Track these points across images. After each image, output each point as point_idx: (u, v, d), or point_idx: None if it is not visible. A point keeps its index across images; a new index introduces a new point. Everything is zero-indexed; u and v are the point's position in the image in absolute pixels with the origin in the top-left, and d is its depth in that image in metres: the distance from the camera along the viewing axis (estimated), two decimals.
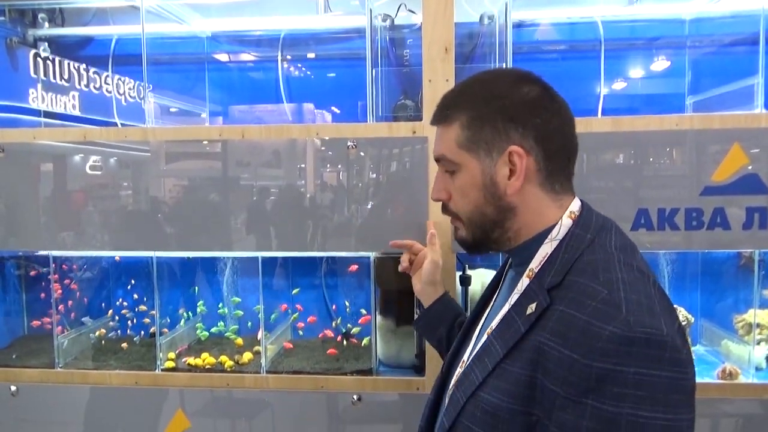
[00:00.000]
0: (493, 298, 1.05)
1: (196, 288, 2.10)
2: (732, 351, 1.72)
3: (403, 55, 2.02)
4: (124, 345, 1.96)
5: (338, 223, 1.63)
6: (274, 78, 2.21)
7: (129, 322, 2.07)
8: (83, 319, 2.02)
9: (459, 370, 0.98)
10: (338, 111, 2.16)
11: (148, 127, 1.86)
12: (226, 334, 2.00)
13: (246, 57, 2.29)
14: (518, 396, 0.81)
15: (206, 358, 1.79)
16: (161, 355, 1.79)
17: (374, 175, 1.62)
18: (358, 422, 1.66)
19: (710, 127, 1.51)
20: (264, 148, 1.66)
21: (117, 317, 2.07)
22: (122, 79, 2.22)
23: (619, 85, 2.10)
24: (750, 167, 1.49)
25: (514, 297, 0.91)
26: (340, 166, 1.66)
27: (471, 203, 0.93)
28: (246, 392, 1.69)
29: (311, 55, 2.25)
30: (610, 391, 0.72)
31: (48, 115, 2.06)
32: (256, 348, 1.86)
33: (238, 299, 2.05)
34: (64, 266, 2.06)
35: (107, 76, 2.20)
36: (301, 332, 2.00)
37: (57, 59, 2.05)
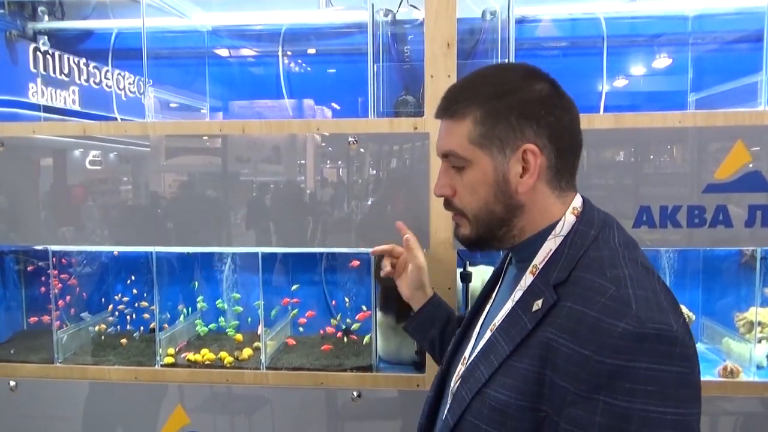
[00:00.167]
0: (493, 295, 1.05)
1: (196, 283, 2.10)
2: (733, 349, 1.72)
3: (404, 51, 2.01)
4: (123, 341, 1.95)
5: (338, 219, 1.62)
6: (274, 73, 2.20)
7: (128, 317, 2.07)
8: (82, 314, 2.01)
9: (461, 367, 0.98)
10: (338, 107, 2.15)
11: (148, 122, 1.85)
12: (226, 331, 2.00)
13: (246, 52, 2.28)
14: (526, 392, 0.80)
15: (206, 354, 1.79)
16: (161, 350, 1.79)
17: (374, 171, 1.62)
18: (358, 419, 1.65)
19: (713, 124, 1.50)
20: (264, 144, 1.65)
21: (117, 313, 2.07)
22: (122, 73, 2.22)
23: (621, 82, 2.10)
24: (753, 165, 1.49)
25: (518, 293, 0.91)
26: (340, 162, 1.65)
27: (480, 200, 0.92)
28: (245, 388, 1.69)
29: (312, 51, 2.24)
30: (622, 386, 0.72)
31: (48, 109, 2.05)
32: (256, 344, 1.86)
33: (238, 295, 2.05)
34: (63, 260, 2.05)
35: (107, 70, 2.19)
36: (301, 329, 2.00)
37: (57, 53, 2.04)
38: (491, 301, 1.04)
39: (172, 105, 2.22)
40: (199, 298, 2.08)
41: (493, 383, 0.85)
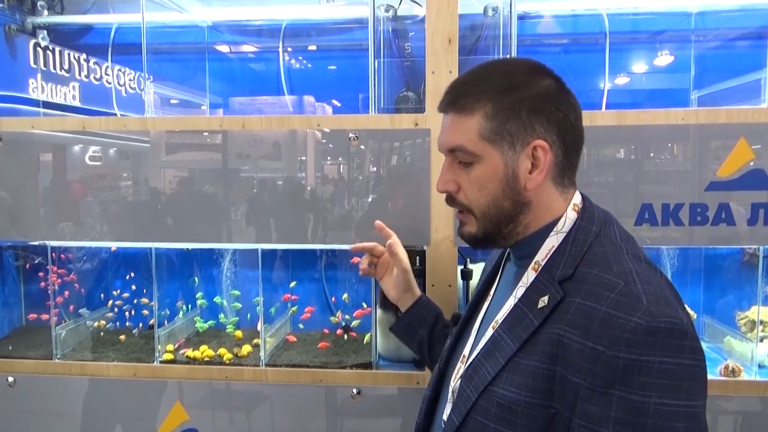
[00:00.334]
0: (491, 292, 1.04)
1: (196, 279, 2.09)
2: (734, 348, 1.71)
3: (405, 47, 1.99)
4: (122, 337, 1.95)
5: (339, 215, 1.61)
6: (275, 69, 2.19)
7: (126, 313, 2.06)
8: (80, 311, 2.01)
9: (460, 365, 0.97)
10: (339, 104, 2.14)
11: (147, 117, 1.84)
12: (226, 329, 1.99)
13: (247, 48, 2.27)
14: (536, 389, 0.80)
15: (205, 351, 1.78)
16: (159, 347, 1.78)
17: (375, 168, 1.61)
18: (358, 416, 1.65)
19: (716, 121, 1.49)
20: (264, 140, 1.64)
21: (116, 309, 2.06)
22: (123, 69, 2.21)
23: (622, 79, 2.08)
24: (756, 162, 1.48)
25: (520, 290, 0.91)
26: (340, 159, 1.64)
27: (488, 196, 0.91)
28: (245, 385, 1.68)
29: (312, 47, 2.23)
30: (636, 380, 0.73)
31: (48, 105, 2.04)
32: (256, 341, 1.85)
33: (237, 292, 2.04)
34: (63, 256, 2.04)
35: (107, 66, 2.18)
36: (301, 326, 1.99)
37: (57, 49, 2.03)
38: (489, 298, 1.03)
39: (172, 101, 2.21)
40: (198, 295, 2.07)
41: (500, 381, 0.85)
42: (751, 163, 1.48)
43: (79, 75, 2.10)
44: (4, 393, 1.73)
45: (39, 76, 2.00)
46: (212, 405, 1.70)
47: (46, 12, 2.17)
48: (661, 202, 1.51)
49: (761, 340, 1.67)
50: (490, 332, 0.92)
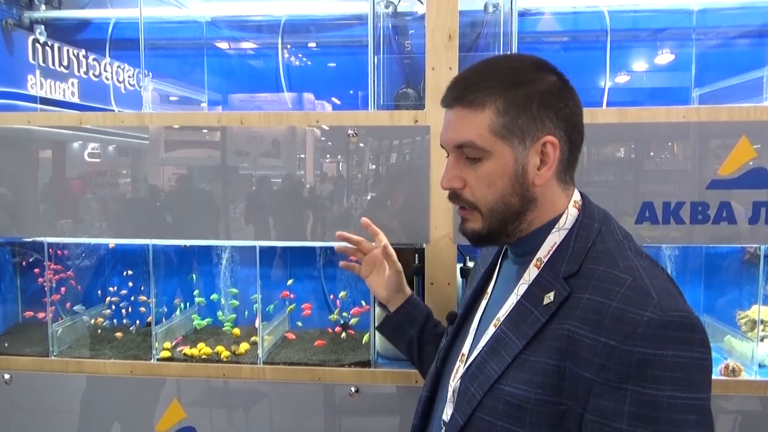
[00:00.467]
0: (488, 290, 1.03)
1: (194, 276, 2.08)
2: (735, 347, 1.70)
3: (405, 45, 1.98)
4: (118, 334, 1.93)
5: (338, 213, 1.60)
6: (274, 66, 2.18)
7: (123, 310, 2.05)
8: (75, 307, 1.99)
9: (459, 364, 0.96)
10: (338, 102, 2.13)
11: (145, 113, 1.83)
12: (223, 327, 1.97)
13: (246, 44, 2.26)
14: (545, 386, 0.80)
15: (202, 348, 1.77)
16: (157, 344, 1.77)
17: (374, 166, 1.60)
18: (356, 414, 1.64)
19: (718, 119, 1.48)
20: (263, 137, 1.63)
21: (113, 306, 2.05)
22: (122, 66, 2.19)
23: (623, 78, 2.08)
24: (758, 161, 1.47)
25: (522, 287, 0.90)
26: (340, 156, 1.63)
27: (497, 193, 0.89)
28: (242, 383, 1.67)
29: (312, 45, 2.22)
30: (650, 374, 0.73)
31: (47, 102, 2.02)
32: (253, 338, 1.84)
33: (235, 290, 2.03)
34: (59, 252, 2.03)
35: (107, 63, 2.16)
36: (300, 323, 1.99)
37: (56, 45, 2.01)
38: (487, 296, 1.02)
39: (171, 98, 2.20)
40: (195, 292, 2.06)
41: (507, 378, 0.84)
42: (753, 162, 1.47)
43: (78, 71, 2.08)
44: (0, 390, 1.72)
45: (38, 72, 1.99)
46: (210, 403, 1.69)
47: (43, 6, 2.16)
48: (662, 201, 1.50)
49: (762, 340, 1.67)
50: (491, 330, 0.92)
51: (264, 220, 1.64)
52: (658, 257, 1.86)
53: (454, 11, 1.49)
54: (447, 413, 0.94)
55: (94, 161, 1.72)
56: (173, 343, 1.83)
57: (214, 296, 2.04)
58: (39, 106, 2.00)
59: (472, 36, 1.99)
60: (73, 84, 2.08)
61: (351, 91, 2.14)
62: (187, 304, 2.05)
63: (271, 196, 1.64)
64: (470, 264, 1.62)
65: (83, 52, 2.08)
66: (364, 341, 1.79)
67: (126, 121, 1.68)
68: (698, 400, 0.74)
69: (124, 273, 2.08)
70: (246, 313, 2.01)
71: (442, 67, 1.50)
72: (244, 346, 1.79)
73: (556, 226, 0.90)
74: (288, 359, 1.71)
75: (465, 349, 0.98)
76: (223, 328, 1.97)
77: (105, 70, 2.16)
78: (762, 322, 1.68)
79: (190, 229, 1.67)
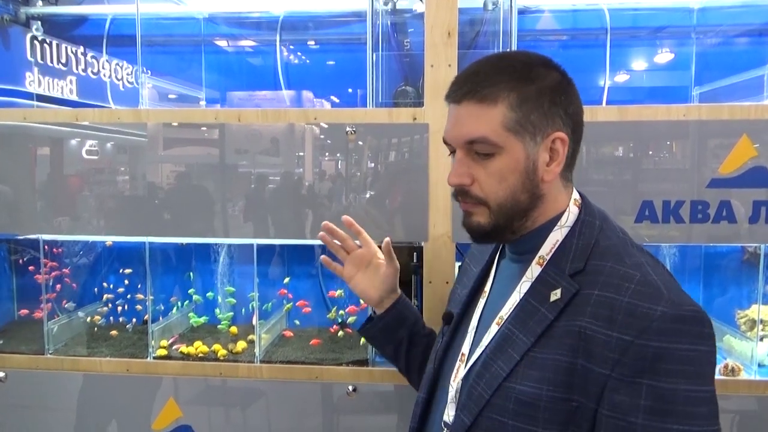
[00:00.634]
0: (486, 289, 1.02)
1: (191, 274, 2.07)
2: (734, 347, 1.70)
3: (404, 42, 1.97)
4: (114, 332, 1.92)
5: (336, 211, 1.59)
6: (272, 63, 2.17)
7: (119, 308, 2.04)
8: (67, 305, 1.98)
9: (459, 365, 0.95)
10: (337, 100, 2.12)
11: (142, 109, 1.82)
12: (220, 326, 1.96)
13: (244, 42, 2.24)
14: (557, 383, 0.80)
15: (199, 347, 1.76)
16: (153, 342, 1.76)
17: (373, 164, 1.59)
18: (354, 413, 1.63)
19: (718, 117, 1.47)
20: (262, 135, 1.62)
21: (109, 304, 2.04)
22: (120, 63, 2.18)
23: (623, 76, 2.07)
24: (759, 160, 1.46)
25: (525, 285, 0.90)
26: (338, 154, 1.62)
27: (508, 188, 0.88)
28: (240, 381, 1.66)
29: (311, 42, 2.20)
30: (665, 368, 0.74)
31: (45, 99, 2.00)
32: (251, 337, 1.83)
33: (232, 288, 2.02)
34: (55, 250, 2.02)
35: (105, 60, 2.15)
36: (297, 322, 1.98)
37: (54, 42, 1.99)
38: (485, 295, 1.01)
39: (170, 96, 2.19)
40: (191, 291, 2.05)
41: (516, 377, 0.84)
42: (753, 161, 1.47)
43: (76, 69, 2.07)
44: None
45: (36, 69, 1.97)
46: (206, 401, 1.68)
47: (39, 2, 2.14)
48: (662, 200, 1.49)
49: (761, 339, 1.66)
50: (495, 329, 0.91)
51: (263, 218, 1.62)
52: (658, 256, 1.85)
53: (453, 8, 1.48)
54: (449, 414, 0.93)
55: (92, 158, 1.71)
56: (170, 342, 1.82)
57: (210, 294, 2.03)
58: (35, 103, 1.99)
59: (472, 34, 1.98)
60: (71, 81, 2.07)
61: (350, 89, 2.13)
62: (185, 302, 2.04)
63: (269, 194, 1.63)
64: None
65: (81, 49, 2.07)
66: (362, 340, 1.78)
67: (122, 117, 1.67)
68: (708, 392, 0.75)
69: (121, 271, 2.07)
70: (243, 311, 2.00)
71: (441, 65, 1.49)
72: (241, 345, 1.79)
73: (558, 223, 0.90)
74: (285, 358, 1.70)
75: (465, 349, 0.97)
76: (220, 327, 1.96)
77: (103, 68, 2.14)
78: (762, 321, 1.67)
79: (189, 227, 1.66)
